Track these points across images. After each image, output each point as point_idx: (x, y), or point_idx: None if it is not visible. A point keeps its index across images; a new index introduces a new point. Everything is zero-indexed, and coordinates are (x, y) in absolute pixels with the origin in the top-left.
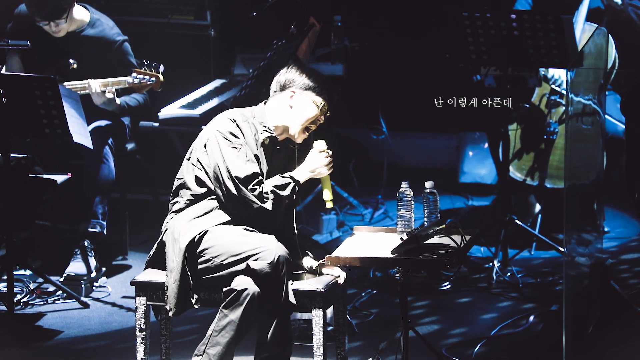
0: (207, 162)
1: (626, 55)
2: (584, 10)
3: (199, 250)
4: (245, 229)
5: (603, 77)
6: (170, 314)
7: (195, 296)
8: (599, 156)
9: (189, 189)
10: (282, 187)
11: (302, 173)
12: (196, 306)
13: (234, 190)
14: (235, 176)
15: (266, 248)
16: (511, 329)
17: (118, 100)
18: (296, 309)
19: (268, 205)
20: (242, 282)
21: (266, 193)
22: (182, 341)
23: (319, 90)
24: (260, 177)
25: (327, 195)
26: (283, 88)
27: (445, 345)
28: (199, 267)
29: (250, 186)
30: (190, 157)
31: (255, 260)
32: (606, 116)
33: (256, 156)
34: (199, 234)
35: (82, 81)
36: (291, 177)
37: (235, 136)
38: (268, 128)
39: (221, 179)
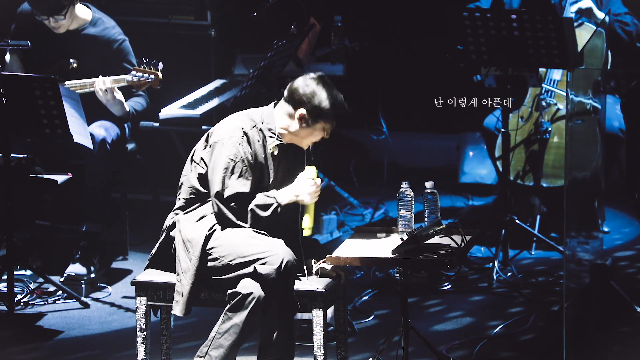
0: (208, 164)
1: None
2: (569, 15)
3: (207, 248)
4: (255, 231)
5: (600, 75)
6: (180, 314)
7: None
8: (598, 155)
9: (192, 187)
10: (264, 207)
11: (286, 195)
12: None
13: (215, 206)
14: (217, 192)
15: (274, 252)
16: (511, 329)
17: (127, 107)
18: (299, 310)
19: (246, 224)
20: (248, 286)
21: (248, 211)
22: (182, 341)
23: (330, 118)
24: (245, 197)
25: (307, 222)
26: (295, 104)
27: (446, 345)
28: (208, 265)
29: (232, 204)
30: (194, 155)
31: (263, 264)
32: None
33: (260, 164)
34: (208, 232)
35: (82, 80)
36: (275, 199)
37: (239, 148)
38: (277, 136)
39: (210, 188)
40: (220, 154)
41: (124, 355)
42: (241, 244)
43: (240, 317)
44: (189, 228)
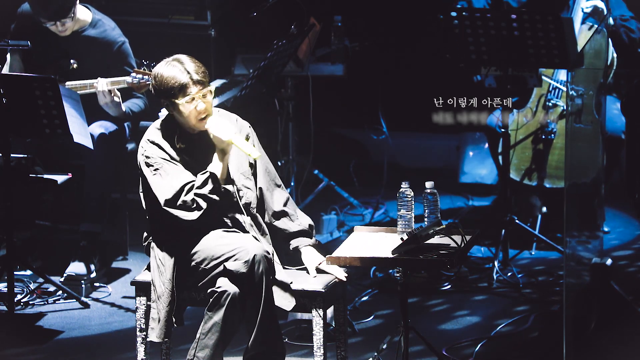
0: (145, 189)
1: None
2: (579, 12)
3: (189, 255)
4: (225, 230)
5: (602, 76)
6: (158, 340)
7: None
8: (599, 156)
9: (147, 216)
10: (202, 184)
11: (215, 161)
12: (177, 325)
13: (172, 217)
14: (166, 200)
15: (243, 248)
16: (511, 329)
17: (124, 107)
18: (287, 307)
19: (203, 205)
20: (222, 284)
21: (195, 198)
22: (182, 341)
23: (184, 91)
24: (189, 185)
25: (248, 150)
26: (159, 101)
27: (445, 345)
28: (192, 272)
29: (182, 198)
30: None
31: (233, 261)
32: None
33: (179, 161)
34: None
35: (83, 81)
36: (207, 172)
37: (154, 157)
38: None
39: (160, 201)
40: (146, 173)
41: (124, 355)
42: (213, 245)
43: (219, 315)
44: (160, 253)
